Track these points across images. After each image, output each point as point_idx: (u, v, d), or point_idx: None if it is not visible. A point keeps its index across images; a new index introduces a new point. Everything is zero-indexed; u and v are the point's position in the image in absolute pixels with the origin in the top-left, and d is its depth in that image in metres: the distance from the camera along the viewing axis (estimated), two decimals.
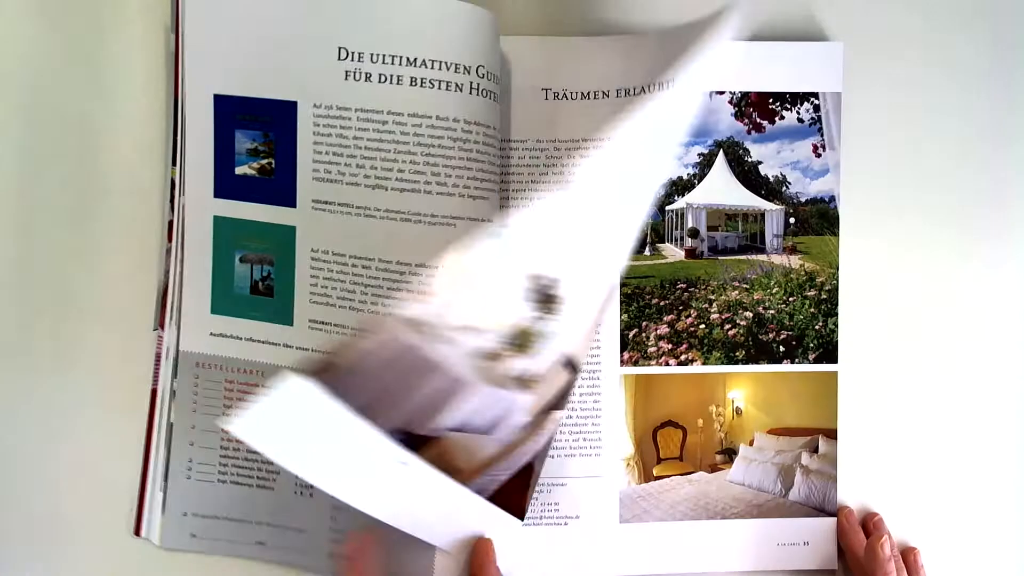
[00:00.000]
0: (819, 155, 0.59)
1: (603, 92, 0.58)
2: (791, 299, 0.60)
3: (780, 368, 0.59)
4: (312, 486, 0.51)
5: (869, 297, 0.60)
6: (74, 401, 0.57)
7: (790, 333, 0.59)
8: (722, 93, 0.59)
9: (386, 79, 0.54)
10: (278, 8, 0.54)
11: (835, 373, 0.60)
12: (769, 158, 0.60)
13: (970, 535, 0.61)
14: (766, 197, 0.60)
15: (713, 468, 0.60)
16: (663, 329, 0.59)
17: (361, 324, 0.54)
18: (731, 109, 0.59)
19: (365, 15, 0.53)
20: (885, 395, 0.60)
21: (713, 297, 0.59)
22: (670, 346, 0.59)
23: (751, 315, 0.59)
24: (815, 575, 0.59)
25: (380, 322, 0.45)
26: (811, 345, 0.59)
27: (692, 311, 0.59)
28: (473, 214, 0.54)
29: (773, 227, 0.60)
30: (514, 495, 0.52)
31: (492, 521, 0.51)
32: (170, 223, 0.57)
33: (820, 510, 0.59)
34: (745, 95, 0.59)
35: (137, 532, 0.57)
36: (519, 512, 0.52)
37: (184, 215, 0.56)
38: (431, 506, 0.50)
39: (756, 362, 0.59)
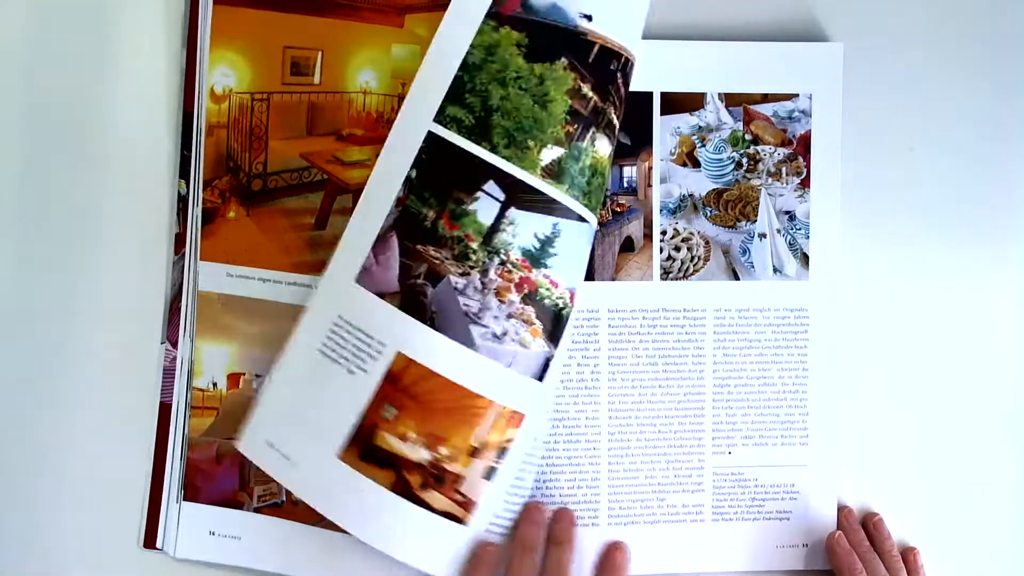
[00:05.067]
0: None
1: None
2: None
3: None
4: None
5: (869, 297, 0.60)
6: (81, 413, 0.58)
7: None
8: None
9: None
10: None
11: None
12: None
13: (970, 535, 0.61)
14: None
15: None
16: None
17: None
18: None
19: None
20: (885, 396, 0.60)
21: None
22: None
23: None
24: (815, 575, 0.60)
25: None
26: None
27: None
28: None
29: None
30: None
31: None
32: (178, 235, 0.58)
33: None
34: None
35: (150, 544, 0.57)
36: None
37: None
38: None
39: None
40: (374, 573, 0.55)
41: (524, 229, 0.52)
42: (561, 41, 0.50)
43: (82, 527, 0.58)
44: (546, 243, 0.52)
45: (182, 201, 0.58)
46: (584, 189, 0.52)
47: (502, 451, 0.53)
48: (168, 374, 0.58)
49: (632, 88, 0.58)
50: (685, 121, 0.59)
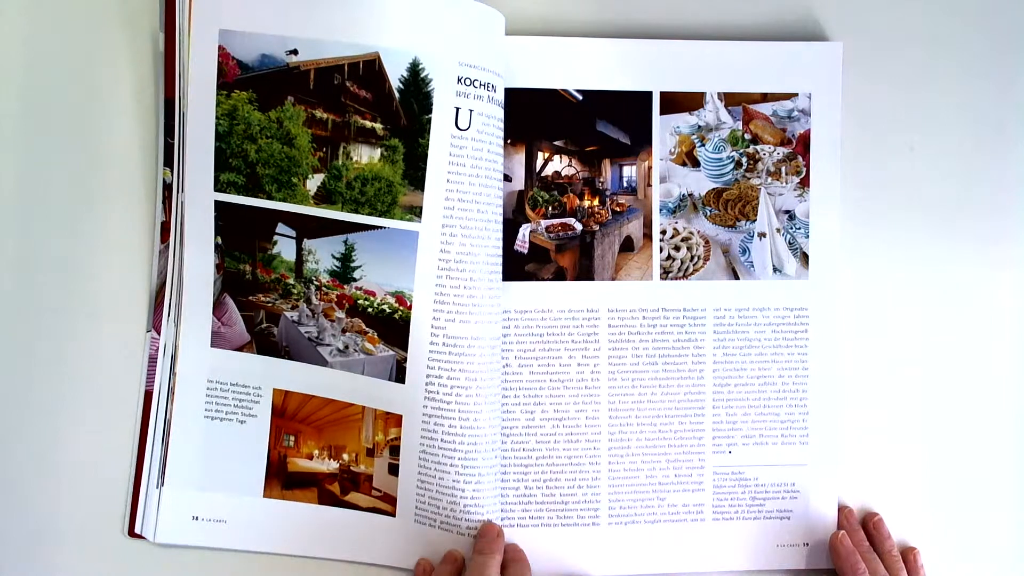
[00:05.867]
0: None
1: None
2: None
3: None
4: None
5: (869, 296, 0.60)
6: (68, 401, 0.58)
7: None
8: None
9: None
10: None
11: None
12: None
13: (970, 535, 0.61)
14: None
15: None
16: None
17: None
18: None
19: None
20: (885, 395, 0.60)
21: None
22: None
23: None
24: (815, 575, 0.60)
25: None
26: None
27: None
28: None
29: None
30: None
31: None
32: (163, 224, 0.57)
33: None
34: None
35: (131, 532, 0.57)
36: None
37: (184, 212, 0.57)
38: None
39: None
40: (365, 546, 0.57)
41: (322, 254, 0.56)
42: (281, 83, 0.55)
43: (70, 518, 0.58)
44: (345, 259, 0.56)
45: (167, 189, 0.57)
46: (360, 200, 0.55)
47: (395, 449, 0.57)
48: (154, 362, 0.58)
49: (632, 87, 0.58)
50: (684, 120, 0.59)
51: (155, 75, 0.58)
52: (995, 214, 0.61)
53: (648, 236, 0.59)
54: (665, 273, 0.59)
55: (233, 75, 0.55)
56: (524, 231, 0.59)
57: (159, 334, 0.58)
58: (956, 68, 0.60)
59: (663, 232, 0.59)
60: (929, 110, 0.60)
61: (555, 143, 0.59)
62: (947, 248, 0.61)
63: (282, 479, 0.58)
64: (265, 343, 0.57)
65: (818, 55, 0.59)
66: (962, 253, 0.61)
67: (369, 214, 0.55)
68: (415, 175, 0.55)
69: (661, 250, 0.59)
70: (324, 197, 0.55)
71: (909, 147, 0.60)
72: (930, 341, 0.61)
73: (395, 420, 0.56)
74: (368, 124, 0.55)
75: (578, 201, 0.59)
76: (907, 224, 0.60)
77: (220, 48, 0.55)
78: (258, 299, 0.57)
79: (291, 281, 0.57)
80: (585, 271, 0.59)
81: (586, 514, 0.58)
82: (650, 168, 0.59)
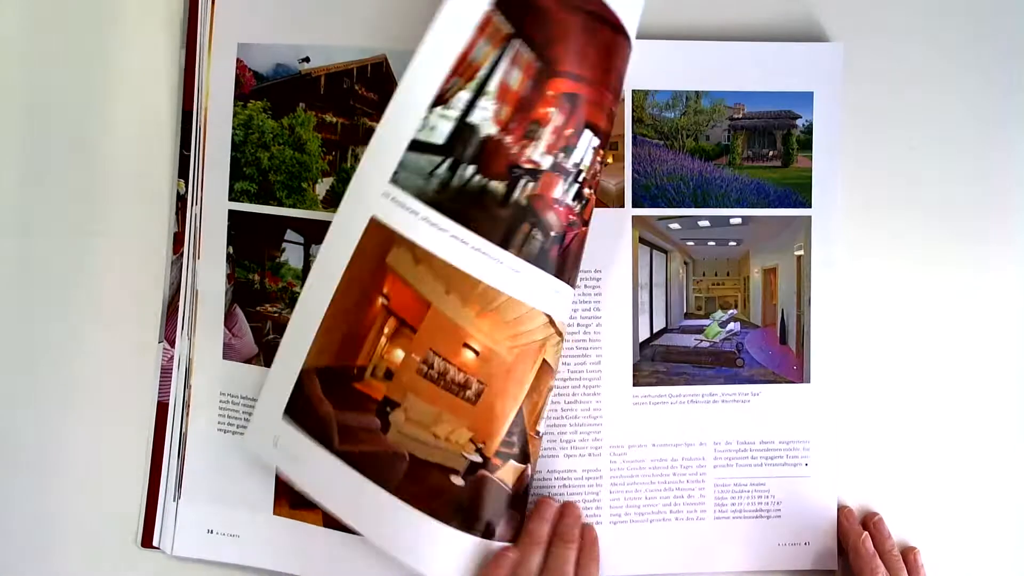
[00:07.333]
0: None
1: None
2: None
3: None
4: None
5: (868, 296, 0.60)
6: (78, 412, 0.58)
7: None
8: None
9: None
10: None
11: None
12: None
13: (970, 535, 0.61)
14: None
15: None
16: None
17: None
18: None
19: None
20: (884, 395, 0.60)
21: None
22: None
23: None
24: (815, 575, 0.59)
25: None
26: None
27: None
28: None
29: None
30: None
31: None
32: (176, 235, 0.58)
33: None
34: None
35: (148, 543, 0.57)
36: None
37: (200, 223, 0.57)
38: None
39: None
40: (373, 572, 0.56)
41: None
42: (293, 90, 0.56)
43: (81, 526, 0.58)
44: None
45: (181, 200, 0.58)
46: None
47: None
48: (166, 373, 0.58)
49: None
50: None
51: (170, 88, 0.58)
52: (995, 214, 0.61)
53: None
54: None
55: (250, 86, 0.56)
56: None
57: (171, 345, 0.58)
58: (956, 68, 0.60)
59: None
60: (929, 109, 0.60)
61: None
62: (947, 248, 0.60)
63: (290, 497, 0.57)
64: (272, 355, 0.55)
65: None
66: (962, 252, 0.61)
67: None
68: None
69: None
70: (333, 201, 0.55)
71: (909, 147, 0.60)
72: (929, 340, 0.61)
73: None
74: (376, 126, 0.55)
75: None
76: (907, 223, 0.60)
77: (238, 61, 0.56)
78: (265, 309, 0.57)
79: (298, 290, 0.56)
80: None
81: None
82: None
